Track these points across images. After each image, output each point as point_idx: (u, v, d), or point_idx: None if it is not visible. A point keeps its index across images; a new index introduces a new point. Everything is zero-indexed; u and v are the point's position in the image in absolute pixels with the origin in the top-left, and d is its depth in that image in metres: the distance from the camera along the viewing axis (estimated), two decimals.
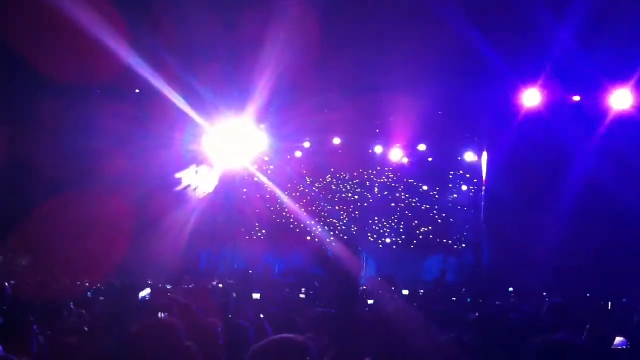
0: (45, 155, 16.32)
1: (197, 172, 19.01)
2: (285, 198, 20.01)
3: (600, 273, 14.37)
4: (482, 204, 18.85)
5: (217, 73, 15.72)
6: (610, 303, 8.71)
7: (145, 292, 6.80)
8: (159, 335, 3.87)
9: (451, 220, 19.66)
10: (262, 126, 19.22)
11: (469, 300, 11.29)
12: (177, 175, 18.68)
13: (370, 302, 10.69)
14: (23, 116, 16.26)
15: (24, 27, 13.42)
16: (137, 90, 17.36)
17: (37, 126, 16.30)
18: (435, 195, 19.91)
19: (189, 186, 19.01)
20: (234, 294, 9.70)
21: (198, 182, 19.11)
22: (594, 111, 15.72)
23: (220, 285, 13.51)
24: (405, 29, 14.06)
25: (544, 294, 12.35)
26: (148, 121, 17.32)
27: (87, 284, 10.61)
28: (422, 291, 14.19)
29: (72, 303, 7.12)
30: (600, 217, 15.67)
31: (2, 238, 16.05)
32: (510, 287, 14.49)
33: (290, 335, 3.46)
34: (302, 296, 11.06)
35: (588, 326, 6.33)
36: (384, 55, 15.13)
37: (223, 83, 16.40)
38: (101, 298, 8.42)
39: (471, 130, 18.50)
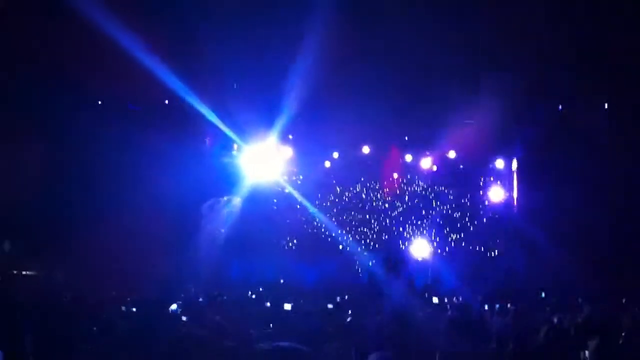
0: (80, 169, 16.61)
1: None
2: (315, 208, 20.04)
3: (634, 277, 14.11)
4: (514, 210, 18.72)
5: (247, 86, 15.87)
6: None
7: (174, 306, 6.90)
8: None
9: (483, 227, 19.49)
10: (291, 137, 19.33)
11: (497, 307, 11.15)
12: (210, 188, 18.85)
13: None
14: (59, 131, 16.55)
15: (61, 45, 13.74)
16: (166, 102, 17.59)
17: (73, 141, 16.56)
18: (466, 202, 19.78)
19: (221, 198, 19.17)
20: (267, 304, 9.76)
21: (230, 195, 19.26)
22: None
23: (254, 296, 13.60)
24: (431, 37, 14.06)
25: (579, 299, 12.16)
26: (182, 136, 17.55)
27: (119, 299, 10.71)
28: (456, 299, 14.07)
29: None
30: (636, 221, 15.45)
31: (38, 252, 16.32)
32: (544, 293, 14.31)
33: (296, 345, 3.51)
34: (330, 306, 11.03)
35: (624, 334, 6.25)
36: (413, 65, 15.12)
37: (252, 95, 16.53)
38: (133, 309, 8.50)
39: (501, 137, 18.32)
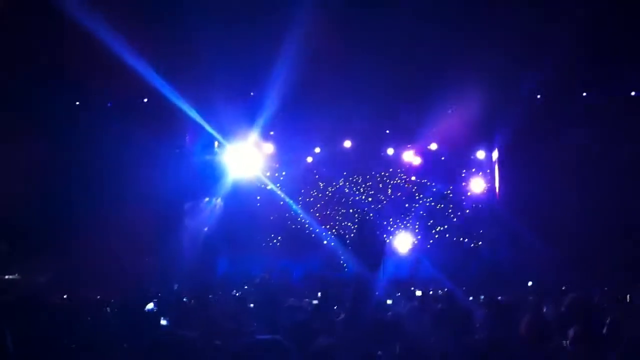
0: (58, 168, 16.46)
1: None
2: (298, 204, 20.03)
3: (617, 267, 14.26)
4: (496, 200, 18.84)
5: (227, 81, 15.77)
6: (628, 296, 8.63)
7: (150, 306, 6.84)
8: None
9: (466, 218, 19.60)
10: (272, 133, 19.29)
11: (482, 298, 11.21)
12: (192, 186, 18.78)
13: (389, 301, 10.70)
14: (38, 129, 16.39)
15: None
16: (145, 100, 17.48)
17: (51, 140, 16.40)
18: (449, 194, 19.87)
19: (203, 196, 19.10)
20: (251, 305, 9.74)
21: (212, 192, 19.20)
22: None
23: (238, 294, 13.56)
24: (411, 29, 14.06)
25: (563, 288, 12.26)
26: (162, 133, 17.43)
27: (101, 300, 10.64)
28: (440, 291, 14.12)
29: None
30: (618, 211, 15.59)
31: (19, 255, 16.16)
32: (528, 282, 14.41)
33: (277, 337, 3.52)
34: (315, 302, 11.01)
35: (608, 320, 6.29)
36: (394, 56, 15.10)
37: (233, 91, 16.46)
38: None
39: (483, 127, 18.40)
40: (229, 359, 3.72)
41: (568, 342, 5.62)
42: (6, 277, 15.58)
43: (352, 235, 19.61)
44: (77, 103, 17.21)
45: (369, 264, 7.95)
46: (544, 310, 8.65)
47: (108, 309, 9.19)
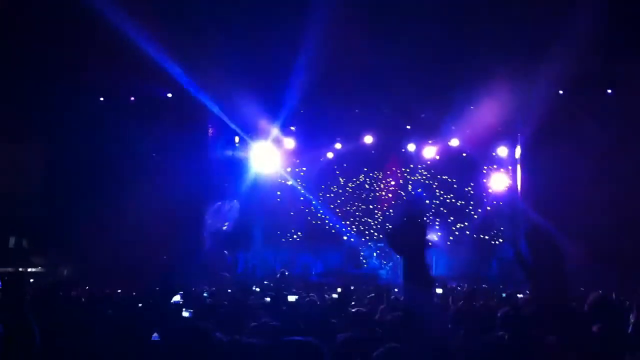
0: (80, 164, 16.64)
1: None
2: (319, 199, 20.06)
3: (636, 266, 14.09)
4: (518, 197, 18.70)
5: (250, 77, 15.82)
6: None
7: (177, 298, 6.89)
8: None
9: (487, 215, 19.49)
10: (293, 128, 19.32)
11: (503, 295, 11.13)
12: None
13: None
14: (60, 127, 16.56)
15: (60, 38, 13.73)
16: (170, 95, 17.59)
17: (73, 136, 16.56)
18: (470, 190, 19.76)
19: (225, 192, 19.21)
20: (267, 299, 9.78)
21: (234, 188, 19.31)
22: None
23: (258, 290, 13.60)
24: (435, 26, 13.99)
25: (582, 289, 12.15)
26: (184, 129, 17.55)
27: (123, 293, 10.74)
28: (459, 288, 14.06)
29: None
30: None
31: (43, 249, 16.38)
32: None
33: (307, 338, 3.51)
34: (335, 296, 11.02)
35: (632, 320, 6.23)
36: (414, 54, 15.04)
37: (255, 87, 16.50)
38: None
39: (504, 124, 18.27)
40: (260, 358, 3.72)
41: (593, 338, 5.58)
42: (29, 270, 15.82)
43: (373, 231, 19.61)
44: (101, 99, 17.39)
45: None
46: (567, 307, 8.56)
47: (138, 303, 9.26)
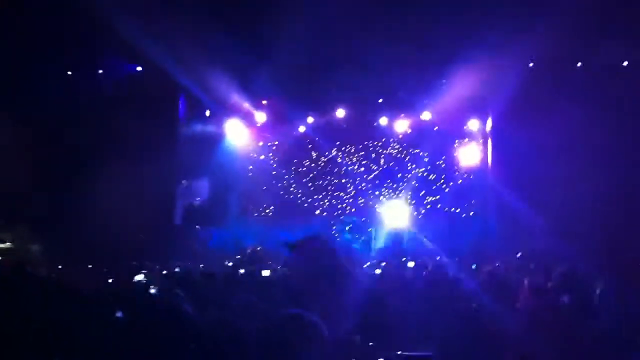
0: (50, 141, 16.40)
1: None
2: (291, 173, 20.02)
3: (608, 239, 14.32)
4: (490, 171, 18.85)
5: (219, 50, 15.63)
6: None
7: (140, 277, 6.84)
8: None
9: (458, 188, 19.64)
10: (264, 102, 19.19)
11: (473, 266, 11.28)
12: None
13: (378, 271, 10.75)
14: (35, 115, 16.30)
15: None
16: (139, 68, 17.37)
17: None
18: (441, 164, 19.85)
19: (196, 168, 19.08)
20: (241, 271, 9.78)
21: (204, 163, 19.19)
22: None
23: (230, 264, 13.60)
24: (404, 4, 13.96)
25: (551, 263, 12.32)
26: (153, 103, 17.34)
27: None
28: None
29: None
30: (610, 180, 15.65)
31: (12, 224, 16.15)
32: (518, 253, 14.48)
33: (304, 312, 3.49)
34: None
35: (598, 292, 6.34)
36: (385, 26, 14.98)
37: (225, 60, 16.32)
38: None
39: (475, 98, 18.33)
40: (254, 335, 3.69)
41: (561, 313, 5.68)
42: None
43: (346, 205, 19.67)
44: (69, 73, 17.10)
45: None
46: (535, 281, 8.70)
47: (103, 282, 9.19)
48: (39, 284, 7.06)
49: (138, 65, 17.32)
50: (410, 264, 12.19)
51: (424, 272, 9.83)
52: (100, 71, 17.56)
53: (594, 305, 6.08)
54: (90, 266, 10.97)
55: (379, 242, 17.99)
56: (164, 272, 10.89)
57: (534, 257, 13.43)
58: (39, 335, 4.97)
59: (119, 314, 4.80)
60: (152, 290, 7.16)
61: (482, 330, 5.39)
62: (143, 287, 7.37)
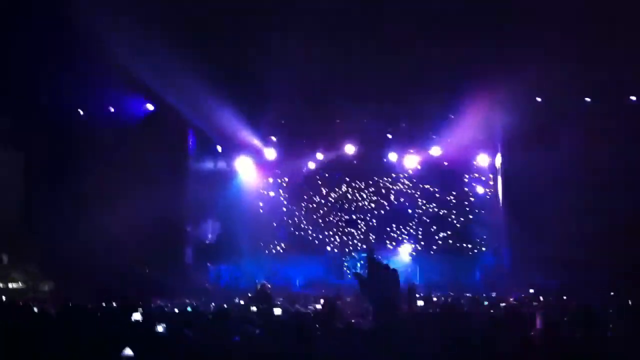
0: (60, 178, 16.51)
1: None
2: (301, 210, 20.00)
3: (621, 272, 14.21)
4: (500, 205, 18.80)
5: (229, 89, 15.81)
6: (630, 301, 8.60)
7: (137, 316, 6.74)
8: None
9: (469, 223, 19.55)
10: (274, 139, 19.28)
11: (486, 303, 11.19)
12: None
13: None
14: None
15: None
16: (151, 107, 17.58)
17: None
18: (452, 199, 19.79)
19: (207, 204, 19.11)
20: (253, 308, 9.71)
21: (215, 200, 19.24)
22: None
23: (242, 302, 13.53)
24: (414, 35, 14.07)
25: (564, 297, 12.24)
26: (164, 140, 17.49)
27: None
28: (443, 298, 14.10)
29: None
30: (618, 214, 15.59)
31: (23, 264, 16.20)
32: (531, 288, 14.40)
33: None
34: (319, 306, 10.96)
35: (611, 326, 6.29)
36: (393, 65, 15.11)
37: (235, 98, 16.48)
38: None
39: (484, 133, 18.38)
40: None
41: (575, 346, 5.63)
42: (10, 286, 15.65)
43: (356, 241, 19.62)
44: (80, 112, 17.32)
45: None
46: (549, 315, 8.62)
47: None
48: (47, 324, 7.07)
49: (150, 103, 17.52)
50: (420, 303, 12.10)
51: (437, 309, 9.78)
52: (112, 109, 17.74)
53: (608, 339, 6.02)
54: (103, 304, 10.95)
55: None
56: (175, 310, 10.88)
57: (547, 292, 13.31)
58: None
59: (128, 352, 4.78)
60: (160, 329, 7.07)
61: None
62: (143, 326, 7.27)
